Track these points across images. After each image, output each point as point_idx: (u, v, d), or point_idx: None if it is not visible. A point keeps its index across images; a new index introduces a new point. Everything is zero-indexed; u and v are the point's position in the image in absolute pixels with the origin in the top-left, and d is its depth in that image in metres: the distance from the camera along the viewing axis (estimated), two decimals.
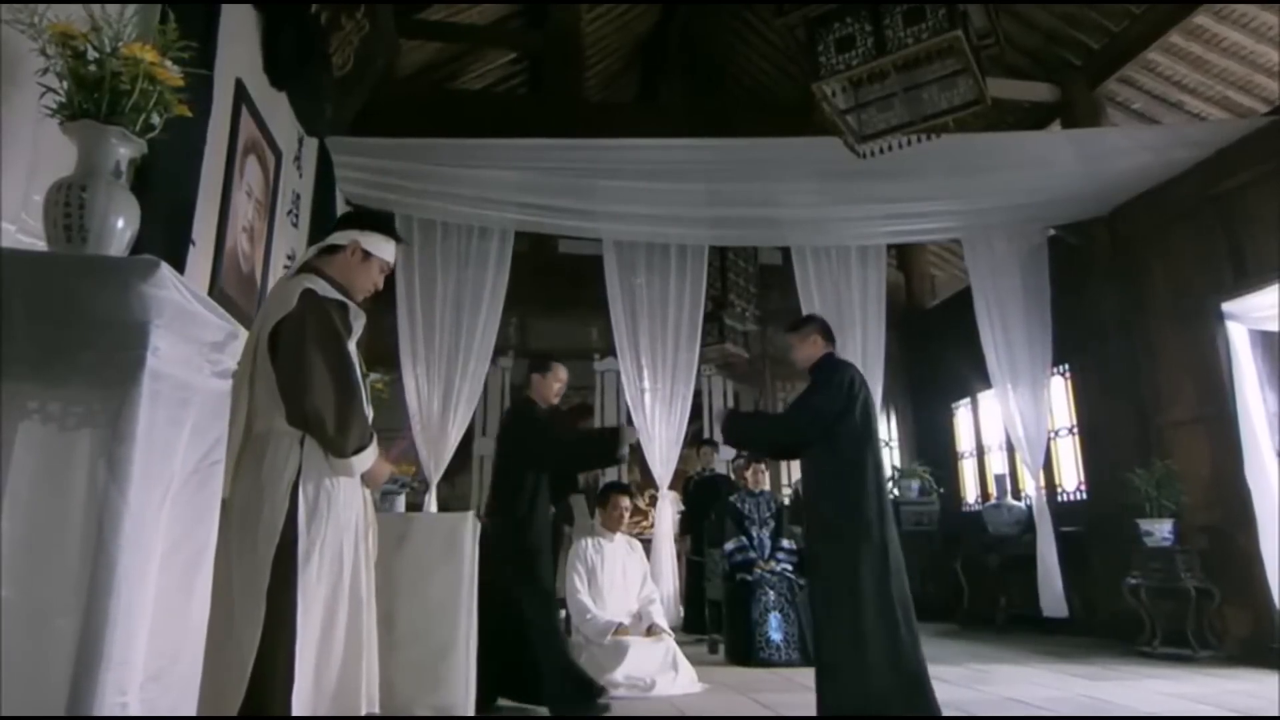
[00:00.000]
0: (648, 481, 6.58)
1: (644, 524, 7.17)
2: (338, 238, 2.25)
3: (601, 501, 4.68)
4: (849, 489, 3.15)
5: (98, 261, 1.53)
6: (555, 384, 3.87)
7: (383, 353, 5.81)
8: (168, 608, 1.55)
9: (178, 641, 1.60)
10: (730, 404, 8.12)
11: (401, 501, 4.53)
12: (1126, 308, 6.00)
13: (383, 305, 5.90)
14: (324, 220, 4.31)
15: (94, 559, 1.31)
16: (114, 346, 1.42)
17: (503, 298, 5.75)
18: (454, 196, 5.51)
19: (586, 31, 7.47)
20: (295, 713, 1.86)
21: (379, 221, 2.35)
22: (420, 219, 5.67)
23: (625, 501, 4.60)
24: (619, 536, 4.55)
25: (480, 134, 5.26)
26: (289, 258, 3.98)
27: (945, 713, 3.46)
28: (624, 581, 4.45)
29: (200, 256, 2.90)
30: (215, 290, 3.00)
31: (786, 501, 7.59)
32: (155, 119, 1.77)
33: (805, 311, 6.42)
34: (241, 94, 3.22)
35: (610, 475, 7.16)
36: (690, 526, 6.41)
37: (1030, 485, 6.33)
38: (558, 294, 7.57)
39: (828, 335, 3.52)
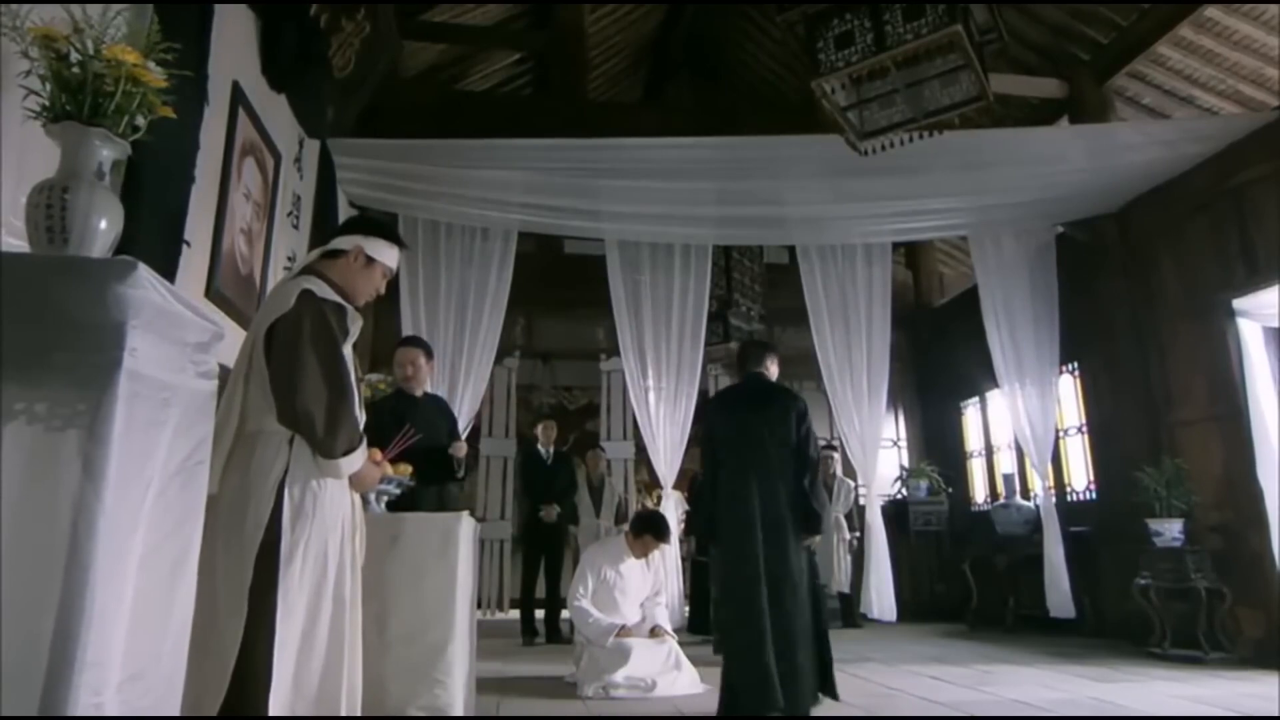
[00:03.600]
0: (655, 482, 6.56)
1: None
2: (341, 242, 2.25)
3: (638, 532, 4.43)
4: (706, 503, 3.62)
5: (74, 262, 1.53)
6: (407, 365, 3.87)
7: (386, 353, 5.83)
8: (150, 608, 1.55)
9: (160, 641, 1.60)
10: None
11: None
12: (1136, 305, 5.93)
13: (387, 306, 5.93)
14: (325, 222, 4.33)
15: (66, 559, 1.31)
16: (90, 348, 1.42)
17: (506, 298, 5.76)
18: (457, 197, 5.52)
19: (591, 32, 7.46)
20: (271, 713, 1.85)
21: (383, 227, 2.35)
22: (424, 219, 5.68)
23: (660, 547, 4.49)
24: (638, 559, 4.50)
25: (486, 135, 5.25)
26: (289, 259, 4.00)
27: (947, 713, 3.44)
28: (636, 592, 4.43)
29: (196, 258, 2.91)
30: (212, 291, 3.01)
31: None
32: (140, 121, 1.78)
33: (811, 310, 6.43)
34: (238, 96, 3.23)
35: (616, 474, 7.19)
36: (695, 527, 6.38)
37: (1038, 485, 6.27)
38: (564, 294, 7.57)
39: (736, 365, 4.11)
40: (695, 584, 6.31)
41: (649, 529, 4.41)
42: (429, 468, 3.44)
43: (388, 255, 2.31)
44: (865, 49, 3.69)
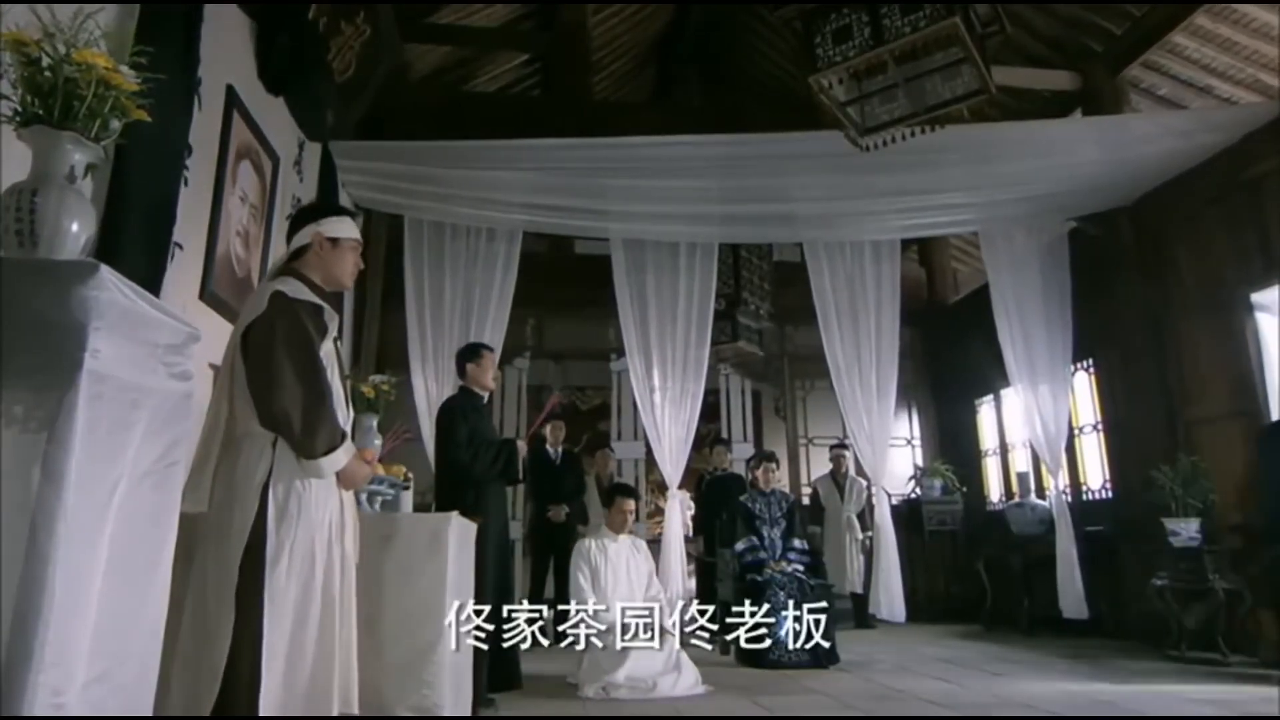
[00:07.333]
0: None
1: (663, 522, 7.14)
2: (300, 238, 2.26)
3: (607, 502, 4.65)
4: None
5: (37, 265, 1.54)
6: (491, 369, 3.96)
7: (392, 355, 5.87)
8: (119, 608, 1.56)
9: (129, 642, 1.60)
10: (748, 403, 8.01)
11: (408, 501, 4.55)
12: (1151, 300, 5.81)
13: (392, 306, 5.97)
14: None
15: (24, 560, 1.31)
16: (52, 350, 1.43)
17: (511, 298, 5.76)
18: (462, 198, 5.54)
19: (597, 32, 7.45)
20: (263, 713, 1.86)
21: (328, 206, 2.37)
22: (428, 221, 5.70)
23: (630, 505, 4.57)
24: (623, 537, 4.52)
25: (495, 136, 5.26)
26: None
27: (950, 714, 3.39)
28: (628, 582, 4.42)
29: (189, 260, 2.94)
30: (206, 293, 3.04)
31: (805, 501, 7.51)
32: (114, 124, 1.79)
33: (819, 308, 6.37)
34: (233, 99, 3.25)
35: (627, 475, 7.18)
36: (703, 526, 6.36)
37: (1052, 484, 6.17)
38: (574, 294, 7.54)
39: None
40: (702, 584, 6.27)
41: (615, 493, 4.62)
42: (508, 469, 3.75)
43: (346, 229, 2.32)
44: (863, 43, 3.65)
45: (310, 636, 2.04)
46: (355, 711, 2.17)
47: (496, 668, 3.61)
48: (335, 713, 2.07)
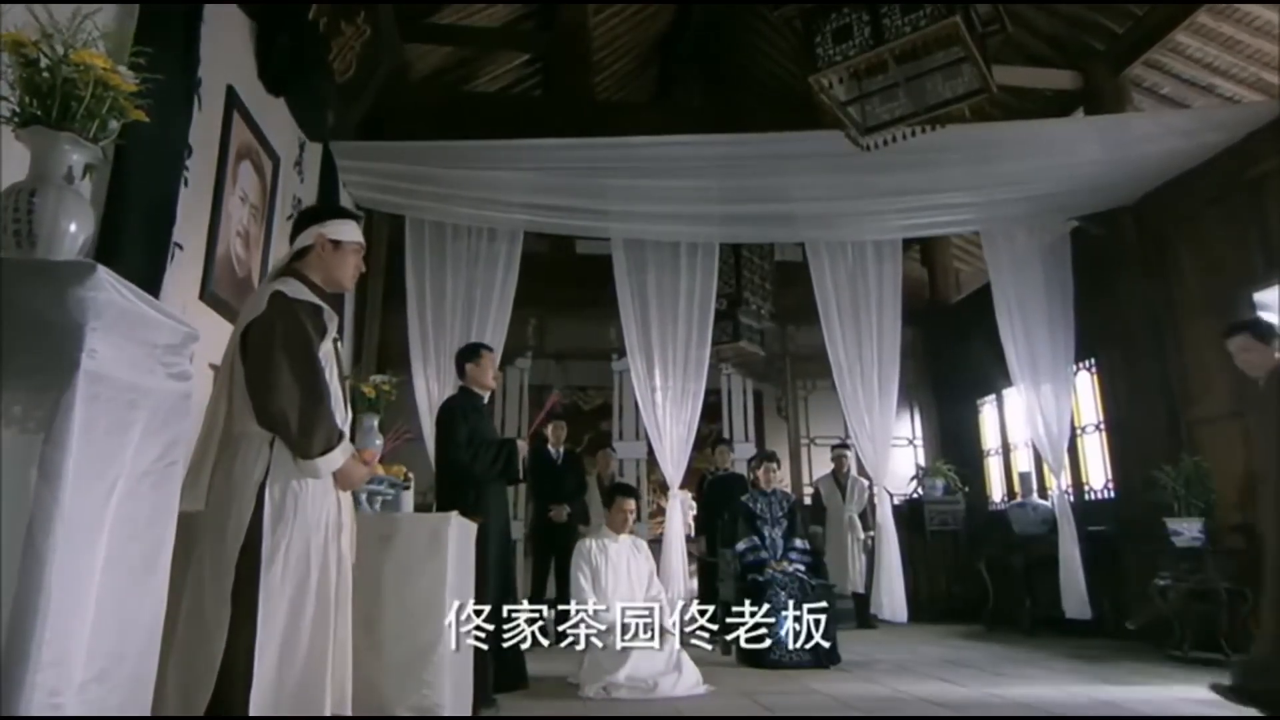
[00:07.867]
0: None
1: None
2: (304, 238, 2.27)
3: (608, 502, 4.66)
4: None
5: (34, 265, 1.54)
6: (491, 369, 3.97)
7: (395, 355, 5.87)
8: (117, 608, 1.56)
9: (127, 641, 1.61)
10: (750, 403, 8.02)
11: (408, 501, 4.56)
12: (1154, 300, 5.80)
13: (393, 306, 5.98)
14: None
15: (21, 559, 1.32)
16: (49, 350, 1.43)
17: (512, 298, 5.76)
18: (463, 198, 5.55)
19: (598, 32, 7.44)
20: (252, 712, 1.86)
21: (334, 209, 2.36)
22: (430, 221, 5.71)
23: (631, 504, 4.58)
24: (624, 537, 4.53)
25: (495, 136, 5.26)
26: None
27: (950, 713, 3.38)
28: (629, 582, 4.42)
29: (189, 261, 2.94)
30: (206, 294, 3.04)
31: (807, 501, 7.51)
32: (112, 124, 1.79)
33: (821, 307, 6.35)
34: (233, 99, 3.26)
35: (629, 474, 7.18)
36: (704, 526, 6.36)
37: (1054, 484, 6.16)
38: (576, 294, 7.53)
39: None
40: (704, 584, 6.27)
41: (615, 493, 4.63)
42: (508, 468, 3.76)
43: (350, 232, 2.33)
44: (863, 43, 3.64)
45: (303, 636, 2.04)
46: (348, 713, 2.17)
47: (503, 668, 3.60)
48: (328, 713, 2.07)
